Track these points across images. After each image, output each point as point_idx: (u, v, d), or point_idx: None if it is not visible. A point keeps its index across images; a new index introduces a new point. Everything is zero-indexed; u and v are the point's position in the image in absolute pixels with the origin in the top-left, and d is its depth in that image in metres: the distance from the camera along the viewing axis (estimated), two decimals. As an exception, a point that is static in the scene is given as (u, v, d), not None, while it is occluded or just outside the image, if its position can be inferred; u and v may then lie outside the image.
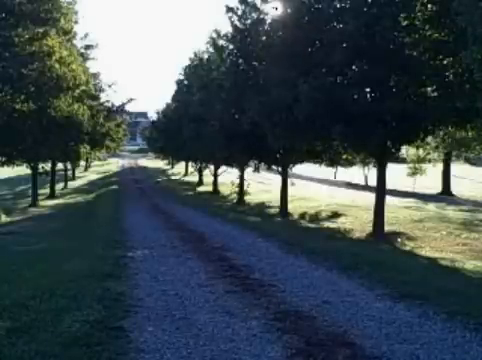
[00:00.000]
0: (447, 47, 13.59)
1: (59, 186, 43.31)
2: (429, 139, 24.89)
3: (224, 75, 27.95)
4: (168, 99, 63.10)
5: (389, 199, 20.02)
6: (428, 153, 36.86)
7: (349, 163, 28.58)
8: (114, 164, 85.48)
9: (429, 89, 15.18)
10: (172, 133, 46.90)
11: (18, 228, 18.72)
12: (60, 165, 43.65)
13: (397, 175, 37.68)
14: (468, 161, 51.53)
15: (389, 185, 20.88)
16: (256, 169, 32.19)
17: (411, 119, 14.47)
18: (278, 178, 27.37)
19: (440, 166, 38.22)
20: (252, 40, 24.81)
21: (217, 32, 31.04)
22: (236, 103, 24.45)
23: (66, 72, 27.23)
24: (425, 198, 31.53)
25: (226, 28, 28.91)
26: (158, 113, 68.59)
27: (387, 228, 17.04)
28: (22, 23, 25.14)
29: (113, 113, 47.83)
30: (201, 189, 43.43)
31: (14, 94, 25.93)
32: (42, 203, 31.36)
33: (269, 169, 30.74)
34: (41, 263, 9.12)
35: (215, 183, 39.62)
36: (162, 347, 4.37)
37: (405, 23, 14.57)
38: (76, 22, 32.65)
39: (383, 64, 14.42)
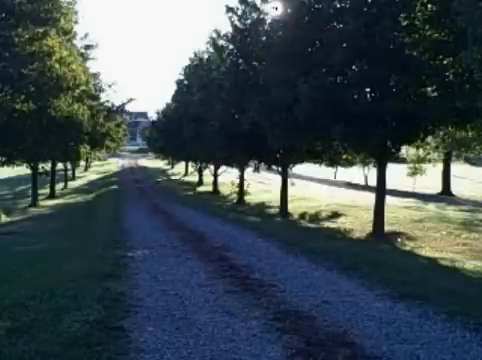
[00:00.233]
0: (447, 47, 13.59)
1: (59, 186, 43.32)
2: (429, 139, 24.89)
3: (224, 75, 27.96)
4: (168, 99, 63.23)
5: (389, 199, 20.03)
6: (428, 153, 36.85)
7: (349, 163, 28.58)
8: (114, 164, 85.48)
9: (429, 89, 15.19)
10: (172, 133, 46.91)
11: (18, 228, 18.72)
12: (60, 165, 43.65)
13: (397, 175, 37.68)
14: (468, 161, 51.52)
15: (389, 185, 20.89)
16: (256, 169, 32.19)
17: (411, 119, 14.47)
18: (278, 178, 27.37)
19: (440, 166, 38.22)
20: (252, 40, 24.82)
21: (217, 32, 31.05)
22: (236, 103, 24.45)
23: (66, 72, 27.23)
24: (425, 198, 31.53)
25: (226, 28, 28.95)
26: (158, 113, 68.61)
27: (387, 228, 17.04)
28: (22, 23, 25.15)
29: (113, 113, 47.81)
30: (201, 189, 43.44)
31: (14, 94, 25.93)
32: (42, 203, 31.36)
33: (269, 169, 30.74)
34: (41, 263, 9.12)
35: (215, 183, 39.62)
36: (162, 347, 4.37)
37: (405, 23, 14.57)
38: (76, 22, 32.67)
39: (383, 64, 14.42)
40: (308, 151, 22.06)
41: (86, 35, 43.54)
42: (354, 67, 15.34)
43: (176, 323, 5.04)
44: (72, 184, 49.22)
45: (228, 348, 4.35)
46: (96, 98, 42.34)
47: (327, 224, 20.13)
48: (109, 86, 47.87)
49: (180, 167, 69.50)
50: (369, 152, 18.58)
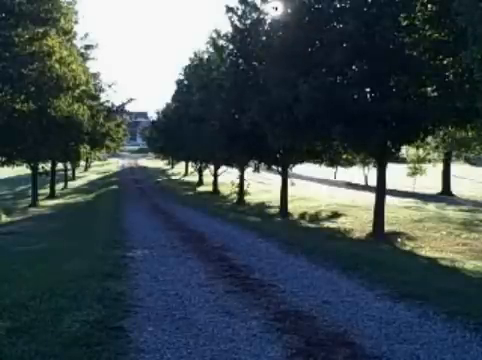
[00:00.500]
0: (447, 47, 13.60)
1: (59, 186, 43.31)
2: (429, 139, 24.88)
3: (224, 75, 27.96)
4: (168, 99, 63.23)
5: (389, 199, 20.03)
6: (428, 153, 36.84)
7: (349, 163, 28.60)
8: (114, 164, 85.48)
9: (429, 89, 15.20)
10: (172, 133, 46.92)
11: (18, 228, 18.71)
12: (60, 165, 43.64)
13: (397, 175, 37.67)
14: (468, 161, 51.51)
15: (389, 185, 20.89)
16: (256, 169, 32.19)
17: (411, 119, 14.47)
18: (278, 178, 27.37)
19: (440, 166, 38.22)
20: (252, 40, 24.83)
21: (217, 32, 31.06)
22: (236, 103, 24.46)
23: (66, 72, 27.23)
24: (425, 198, 31.53)
25: (226, 28, 28.96)
26: (158, 113, 68.62)
27: (387, 228, 17.04)
28: (22, 23, 25.15)
29: (113, 113, 47.81)
30: (201, 189, 43.44)
31: (14, 94, 25.93)
32: (42, 203, 31.36)
33: (269, 169, 30.74)
34: (41, 263, 9.11)
35: (215, 183, 39.62)
36: (162, 347, 4.37)
37: (405, 23, 14.58)
38: (76, 22, 32.65)
39: (383, 64, 14.43)
40: (308, 151, 22.06)
41: (86, 35, 43.59)
42: (354, 67, 15.35)
43: (176, 323, 5.04)
44: (72, 184, 49.22)
45: (228, 348, 4.35)
46: (96, 98, 42.33)
47: (327, 224, 20.13)
48: (109, 86, 47.91)
49: (180, 167, 69.50)
50: (369, 152, 18.59)
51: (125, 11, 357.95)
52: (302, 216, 23.15)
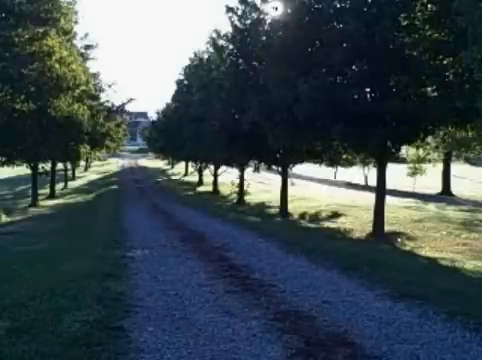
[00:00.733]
0: (447, 47, 13.61)
1: (59, 186, 43.32)
2: (429, 139, 24.89)
3: (224, 75, 27.96)
4: (168, 99, 63.08)
5: (389, 199, 20.03)
6: (428, 153, 36.85)
7: (349, 163, 28.59)
8: (114, 164, 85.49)
9: (429, 89, 15.20)
10: (172, 133, 46.93)
11: (18, 228, 18.72)
12: (60, 165, 43.64)
13: (397, 175, 37.68)
14: (468, 161, 51.51)
15: (389, 185, 20.89)
16: (256, 169, 32.19)
17: (411, 119, 14.47)
18: (278, 178, 27.37)
19: (440, 166, 38.22)
20: (252, 40, 24.82)
21: (217, 32, 31.05)
22: (236, 103, 24.46)
23: (66, 72, 27.23)
24: (425, 198, 31.53)
25: (226, 28, 28.96)
26: (158, 113, 68.60)
27: (387, 228, 17.05)
28: (22, 23, 25.14)
29: (113, 113, 47.82)
30: (201, 189, 43.44)
31: (14, 94, 25.93)
32: (42, 203, 31.36)
33: (269, 169, 30.74)
34: (41, 263, 9.11)
35: (215, 183, 39.62)
36: (162, 347, 4.37)
37: (405, 23, 14.58)
38: (76, 22, 32.63)
39: (383, 64, 14.43)
40: (308, 151, 22.05)
41: (86, 35, 43.56)
42: (354, 67, 15.34)
43: (176, 323, 5.04)
44: (72, 184, 49.23)
45: (228, 348, 4.35)
46: (96, 98, 42.34)
47: (327, 224, 20.13)
48: (109, 86, 47.91)
49: (180, 167, 69.50)
50: (369, 152, 18.59)
51: (125, 11, 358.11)
52: (302, 216, 23.16)
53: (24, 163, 30.07)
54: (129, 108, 54.99)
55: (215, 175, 39.58)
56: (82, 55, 39.80)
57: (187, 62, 47.09)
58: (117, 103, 48.62)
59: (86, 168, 71.11)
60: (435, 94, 14.84)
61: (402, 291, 6.13)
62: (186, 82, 47.14)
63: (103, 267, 7.80)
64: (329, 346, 4.37)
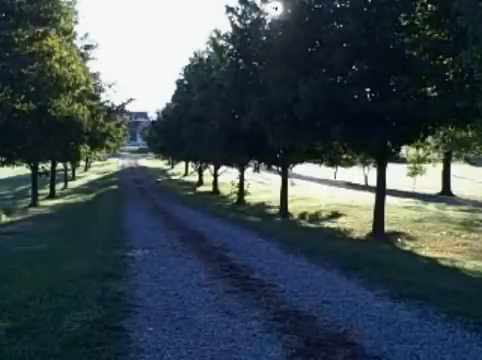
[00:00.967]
0: (447, 47, 13.61)
1: (59, 186, 43.32)
2: (429, 139, 24.90)
3: (224, 75, 27.97)
4: (168, 99, 63.12)
5: (389, 199, 20.03)
6: (428, 153, 36.86)
7: (349, 163, 28.57)
8: (114, 164, 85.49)
9: (429, 89, 15.21)
10: (172, 133, 46.93)
11: (18, 228, 18.72)
12: (60, 165, 43.66)
13: (397, 175, 37.68)
14: (468, 161, 51.51)
15: (389, 185, 20.89)
16: (256, 169, 32.19)
17: (411, 119, 14.47)
18: (278, 178, 27.37)
19: (440, 166, 38.22)
20: (252, 40, 24.82)
21: (217, 32, 31.09)
22: (236, 103, 24.47)
23: (66, 72, 27.24)
24: (425, 198, 31.53)
25: (226, 28, 28.98)
26: (158, 113, 68.63)
27: (387, 228, 17.05)
28: (22, 23, 25.13)
29: (113, 113, 47.86)
30: (201, 189, 43.45)
31: (14, 94, 25.94)
32: (42, 203, 31.37)
33: (269, 169, 30.74)
34: (41, 263, 9.11)
35: (215, 183, 39.63)
36: (162, 347, 4.37)
37: (405, 23, 14.58)
38: (76, 22, 32.64)
39: (383, 64, 14.43)
40: (308, 151, 22.07)
41: (86, 35, 43.58)
42: (354, 67, 15.34)
43: (176, 323, 5.04)
44: (72, 184, 49.23)
45: (228, 348, 4.34)
46: (96, 98, 42.36)
47: (327, 224, 20.13)
48: (109, 86, 47.96)
49: (180, 167, 69.51)
50: (369, 152, 18.59)
51: (125, 11, 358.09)
52: (302, 216, 23.16)
53: (24, 163, 30.08)
54: (129, 108, 55.15)
55: (215, 175, 39.59)
56: (82, 55, 39.81)
57: (187, 62, 47.18)
58: (117, 103, 48.75)
59: (86, 168, 71.13)
60: (435, 94, 14.84)
61: (402, 291, 6.13)
62: (186, 82, 47.15)
63: (103, 267, 7.80)
64: (329, 346, 4.37)
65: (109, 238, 11.99)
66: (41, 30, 25.71)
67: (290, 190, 25.62)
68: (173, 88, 60.25)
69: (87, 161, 65.92)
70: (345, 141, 16.90)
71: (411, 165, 40.63)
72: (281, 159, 24.28)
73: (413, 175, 40.70)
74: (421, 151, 35.90)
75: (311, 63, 15.74)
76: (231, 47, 27.80)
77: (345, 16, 14.95)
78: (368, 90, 15.93)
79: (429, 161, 39.37)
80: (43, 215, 25.09)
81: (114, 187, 43.84)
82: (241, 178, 31.80)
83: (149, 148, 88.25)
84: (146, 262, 8.61)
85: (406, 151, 35.51)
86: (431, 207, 25.28)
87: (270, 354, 4.21)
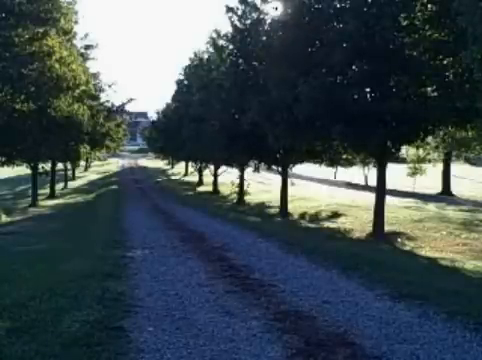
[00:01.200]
0: (447, 47, 13.61)
1: (59, 186, 43.31)
2: (429, 139, 24.90)
3: (224, 75, 27.97)
4: (168, 99, 63.16)
5: (389, 199, 20.03)
6: (428, 153, 36.86)
7: (349, 163, 28.57)
8: (114, 164, 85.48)
9: (429, 89, 15.21)
10: (172, 133, 46.93)
11: (18, 228, 18.72)
12: (60, 165, 43.66)
13: (397, 175, 37.68)
14: (468, 161, 51.52)
15: (389, 185, 20.89)
16: (256, 169, 32.19)
17: (411, 119, 14.48)
18: (278, 178, 27.37)
19: (440, 166, 38.22)
20: (252, 40, 24.84)
21: (217, 32, 31.09)
22: (236, 103, 24.48)
23: (66, 72, 27.24)
24: (425, 198, 31.53)
25: (226, 28, 28.98)
26: (158, 113, 68.65)
27: (387, 228, 17.05)
28: (22, 23, 25.14)
29: (113, 113, 47.87)
30: (201, 189, 43.45)
31: (14, 94, 25.94)
32: (42, 203, 31.37)
33: (269, 169, 30.74)
34: (41, 263, 9.11)
35: (215, 183, 39.62)
36: (162, 347, 4.37)
37: (405, 23, 14.58)
38: (76, 22, 32.66)
39: (383, 64, 14.43)
40: (308, 151, 22.06)
41: (86, 35, 43.62)
42: (354, 67, 15.34)
43: (176, 323, 5.04)
44: (72, 184, 49.22)
45: (228, 348, 4.34)
46: (96, 98, 42.35)
47: (327, 224, 20.13)
48: (109, 86, 47.98)
49: (180, 167, 69.51)
50: (369, 152, 18.59)
51: (125, 11, 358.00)
52: (302, 216, 23.16)
53: (24, 163, 30.07)
54: (129, 108, 55.19)
55: (215, 175, 39.59)
56: (82, 55, 39.83)
57: (187, 62, 47.20)
58: (117, 103, 48.77)
59: (86, 168, 71.13)
60: (435, 94, 14.84)
61: (402, 291, 6.13)
62: (186, 82, 47.17)
63: (103, 267, 7.80)
64: (329, 346, 4.37)
65: (109, 238, 11.99)
66: (41, 30, 25.72)
67: (290, 190, 25.62)
68: (173, 88, 60.35)
69: (87, 161, 65.92)
70: (345, 141, 16.90)
71: (411, 165, 40.63)
72: (281, 159, 24.28)
73: (413, 175, 40.70)
74: (421, 151, 35.90)
75: (311, 63, 15.74)
76: (231, 47, 27.81)
77: (345, 16, 14.96)
78: (368, 90, 15.93)
79: (429, 161, 39.38)
80: (43, 215, 25.09)
81: (114, 187, 43.84)
82: (241, 178, 31.80)
83: (149, 148, 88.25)
84: (146, 262, 8.61)
85: (406, 151, 35.51)
86: (431, 207, 25.28)
87: (270, 354, 4.21)
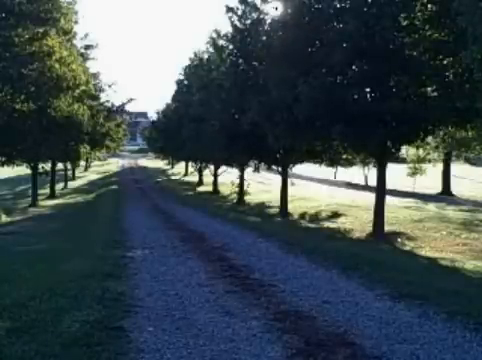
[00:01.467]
0: (447, 47, 13.61)
1: (59, 186, 43.32)
2: (429, 139, 24.90)
3: (224, 75, 27.98)
4: (168, 99, 63.12)
5: (389, 199, 20.03)
6: (428, 153, 36.86)
7: (349, 163, 28.57)
8: (114, 164, 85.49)
9: (429, 89, 15.21)
10: (172, 133, 46.94)
11: (18, 228, 18.72)
12: (60, 165, 43.66)
13: (397, 175, 37.68)
14: (468, 161, 51.50)
15: (389, 185, 20.89)
16: (256, 169, 32.19)
17: (411, 119, 14.48)
18: (278, 178, 27.37)
19: (440, 166, 38.22)
20: (252, 40, 24.84)
21: (217, 32, 31.08)
22: (236, 103, 24.48)
23: (66, 72, 27.25)
24: (425, 198, 31.53)
25: (226, 28, 28.98)
26: (158, 113, 68.63)
27: (387, 228, 17.05)
28: (22, 23, 25.15)
29: (113, 113, 47.88)
30: (201, 189, 43.45)
31: (14, 94, 25.95)
32: (42, 203, 31.37)
33: (269, 169, 30.74)
34: (41, 263, 9.11)
35: (215, 183, 39.63)
36: (162, 347, 4.37)
37: (405, 23, 14.58)
38: (76, 22, 32.67)
39: (383, 64, 14.43)
40: (308, 151, 22.07)
41: (86, 35, 43.64)
42: (354, 67, 15.34)
43: (176, 323, 5.04)
44: (72, 184, 49.23)
45: (228, 348, 4.34)
46: (96, 98, 42.37)
47: (327, 224, 20.13)
48: (109, 86, 48.00)
49: (180, 167, 69.51)
50: (369, 152, 18.59)
51: (125, 11, 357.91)
52: (302, 216, 23.16)
53: (24, 163, 30.08)
54: (129, 108, 55.21)
55: (215, 175, 39.59)
56: (82, 55, 39.83)
57: (187, 62, 47.20)
58: (117, 103, 48.78)
59: (86, 168, 71.14)
60: (435, 94, 14.85)
61: (402, 291, 6.13)
62: (186, 82, 47.17)
63: (103, 267, 7.80)
64: (329, 346, 4.37)
65: (109, 238, 11.99)
66: (41, 30, 25.72)
67: (290, 190, 25.62)
68: (173, 88, 60.36)
69: (87, 161, 65.93)
70: (345, 141, 16.90)
71: (411, 165, 40.63)
72: (281, 159, 24.28)
73: (413, 175, 40.70)
74: (421, 151, 35.90)
75: (311, 63, 15.74)
76: (231, 47, 27.81)
77: (345, 16, 14.95)
78: (368, 90, 15.93)
79: (429, 161, 39.37)
80: (43, 215, 25.09)
81: (114, 187, 43.84)
82: (241, 178, 31.80)
83: (149, 148, 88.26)
84: (146, 262, 8.61)
85: (406, 151, 35.51)
86: (431, 207, 25.28)
87: (270, 354, 4.21)
